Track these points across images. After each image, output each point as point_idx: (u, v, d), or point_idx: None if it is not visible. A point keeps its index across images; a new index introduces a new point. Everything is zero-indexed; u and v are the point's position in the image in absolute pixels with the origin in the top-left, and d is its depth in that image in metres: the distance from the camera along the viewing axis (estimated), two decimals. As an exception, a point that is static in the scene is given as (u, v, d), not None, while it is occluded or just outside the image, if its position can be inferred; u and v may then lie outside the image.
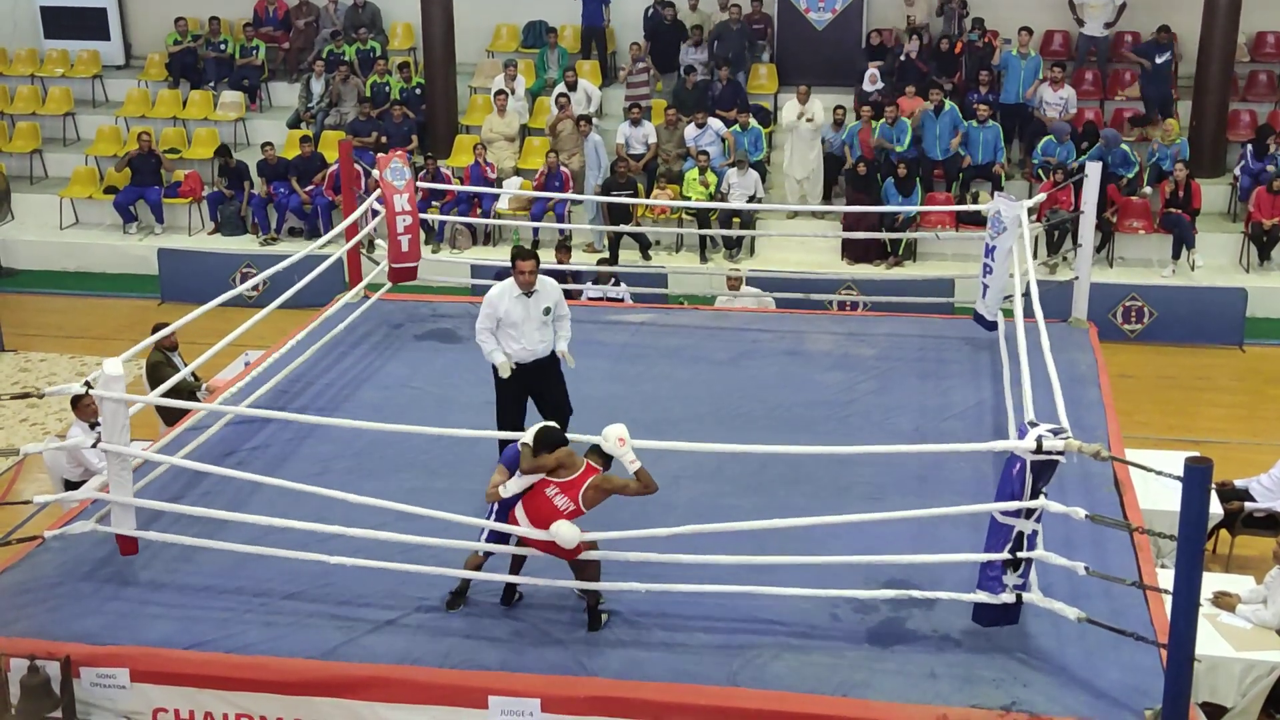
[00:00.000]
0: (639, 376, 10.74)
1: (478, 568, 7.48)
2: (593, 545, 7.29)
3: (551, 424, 7.38)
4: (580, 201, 17.25)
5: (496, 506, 7.35)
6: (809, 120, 17.27)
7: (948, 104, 17.14)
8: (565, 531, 7.09)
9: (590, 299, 13.23)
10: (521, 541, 7.31)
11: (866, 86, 18.10)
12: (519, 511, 7.23)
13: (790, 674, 6.89)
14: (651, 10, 19.25)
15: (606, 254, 16.22)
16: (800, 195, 17.38)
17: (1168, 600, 6.43)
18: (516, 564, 7.53)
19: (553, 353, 8.78)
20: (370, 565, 7.44)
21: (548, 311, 8.63)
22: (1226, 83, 17.57)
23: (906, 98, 17.61)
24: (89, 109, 20.85)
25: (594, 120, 17.96)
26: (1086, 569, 6.85)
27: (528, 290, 8.54)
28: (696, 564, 7.30)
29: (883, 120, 17.27)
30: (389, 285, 12.02)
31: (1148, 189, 16.74)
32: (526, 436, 7.24)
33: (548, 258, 15.15)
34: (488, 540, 7.44)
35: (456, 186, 16.33)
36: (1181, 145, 16.91)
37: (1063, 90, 17.60)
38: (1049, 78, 17.64)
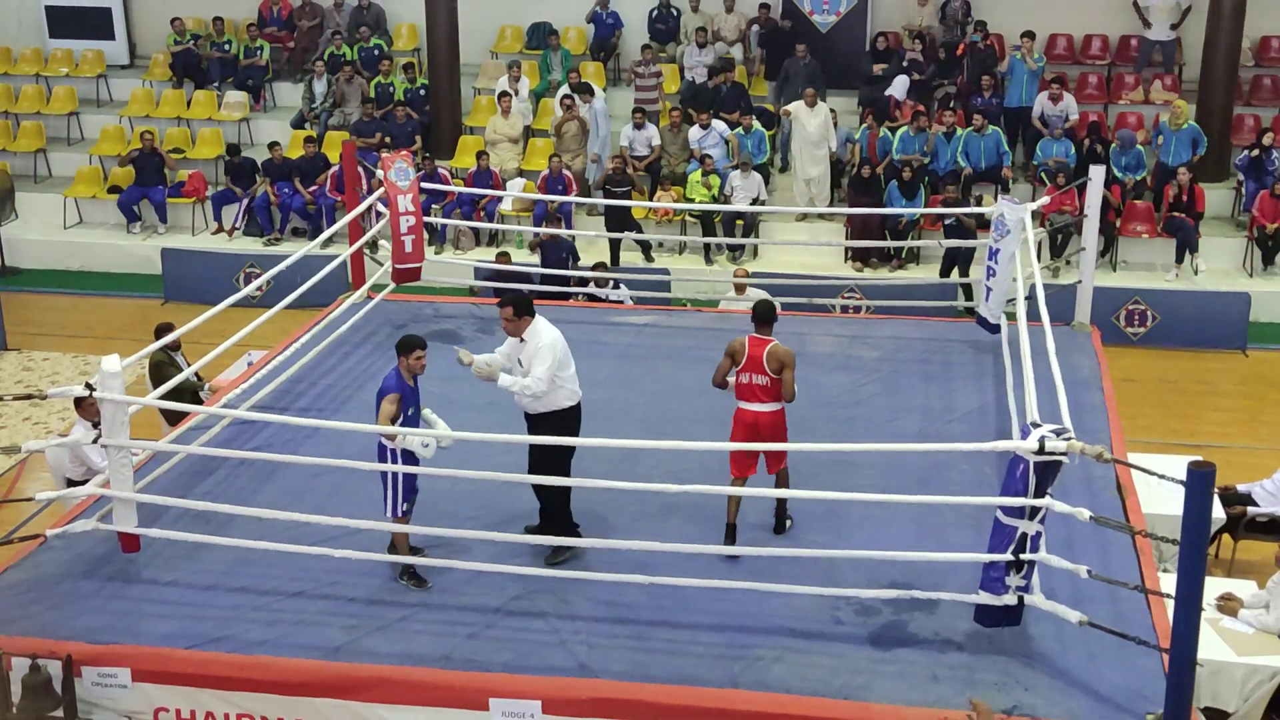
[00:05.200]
0: (642, 378, 10.75)
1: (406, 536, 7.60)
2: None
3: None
4: (583, 204, 17.21)
5: (392, 449, 7.38)
6: (825, 121, 17.29)
7: (960, 132, 17.10)
8: (414, 438, 7.31)
9: (588, 298, 13.22)
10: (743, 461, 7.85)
11: (896, 93, 18.04)
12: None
13: (791, 676, 6.90)
14: (657, 10, 19.25)
15: (604, 258, 16.17)
16: (809, 198, 17.33)
17: (1170, 604, 6.44)
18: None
19: (537, 419, 7.95)
20: (372, 558, 7.44)
21: (520, 364, 7.94)
22: (1231, 87, 17.55)
23: (909, 104, 17.58)
24: (93, 108, 20.83)
25: (594, 91, 18.08)
26: (1089, 572, 6.86)
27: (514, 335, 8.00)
28: (699, 555, 7.30)
29: (904, 129, 17.19)
30: (392, 286, 12.03)
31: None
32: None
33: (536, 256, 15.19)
34: (396, 485, 7.47)
35: (455, 188, 16.24)
36: (1192, 129, 16.78)
37: (1063, 102, 17.51)
38: (1048, 92, 17.52)
